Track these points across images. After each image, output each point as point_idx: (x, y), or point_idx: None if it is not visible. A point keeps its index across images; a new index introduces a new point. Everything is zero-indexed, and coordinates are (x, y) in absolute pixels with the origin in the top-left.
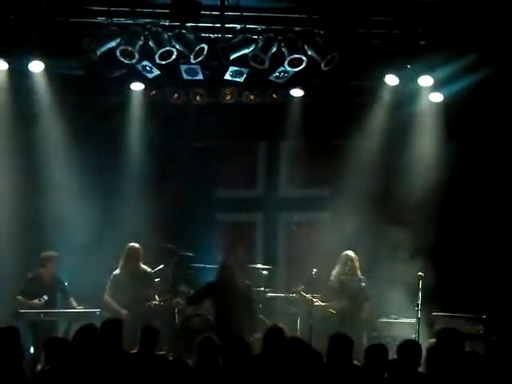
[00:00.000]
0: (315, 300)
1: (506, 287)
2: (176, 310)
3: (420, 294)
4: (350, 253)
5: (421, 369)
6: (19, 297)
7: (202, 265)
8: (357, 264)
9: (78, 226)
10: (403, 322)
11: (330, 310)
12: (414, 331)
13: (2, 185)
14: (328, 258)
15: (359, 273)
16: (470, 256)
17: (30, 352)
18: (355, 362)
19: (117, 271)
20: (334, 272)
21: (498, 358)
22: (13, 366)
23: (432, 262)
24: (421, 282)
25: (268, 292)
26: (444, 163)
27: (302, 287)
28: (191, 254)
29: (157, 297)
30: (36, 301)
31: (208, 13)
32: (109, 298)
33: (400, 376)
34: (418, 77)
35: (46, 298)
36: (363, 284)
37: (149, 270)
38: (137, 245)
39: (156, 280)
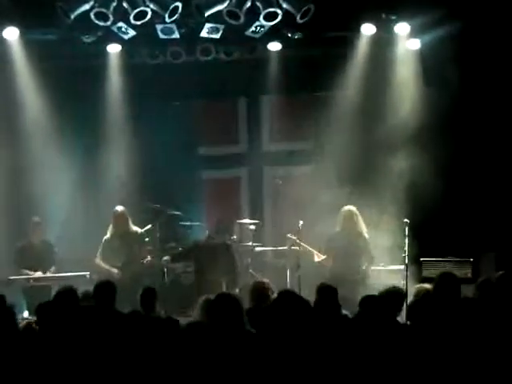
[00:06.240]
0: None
1: (494, 229)
2: (165, 268)
3: (407, 240)
4: (351, 208)
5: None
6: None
7: (188, 223)
8: (359, 220)
9: (61, 192)
10: (392, 270)
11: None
12: (402, 277)
13: None
14: (313, 210)
15: (361, 230)
16: (455, 198)
17: (23, 317)
18: (345, 312)
19: (107, 236)
20: (337, 228)
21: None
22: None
23: (417, 207)
24: (407, 228)
25: (256, 246)
26: (423, 109)
27: (295, 237)
28: (178, 213)
29: (148, 256)
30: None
31: None
32: (99, 261)
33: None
34: (394, 25)
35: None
36: (362, 242)
37: (139, 230)
38: (121, 207)
39: (146, 239)
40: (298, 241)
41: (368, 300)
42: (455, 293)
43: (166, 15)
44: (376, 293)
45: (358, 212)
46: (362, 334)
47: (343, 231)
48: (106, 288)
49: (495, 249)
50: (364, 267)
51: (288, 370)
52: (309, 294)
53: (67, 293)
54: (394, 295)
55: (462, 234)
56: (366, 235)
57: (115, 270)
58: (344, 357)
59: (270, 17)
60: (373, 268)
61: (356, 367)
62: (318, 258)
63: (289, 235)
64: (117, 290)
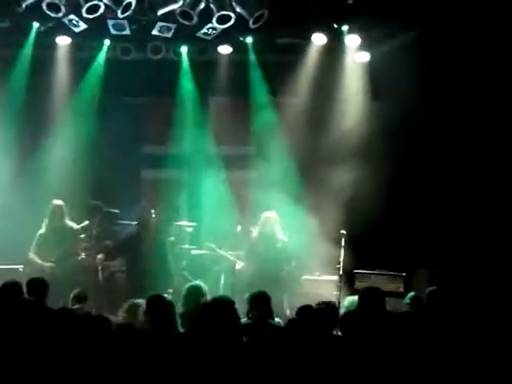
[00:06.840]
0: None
1: (427, 246)
2: (100, 266)
3: (342, 251)
4: (270, 214)
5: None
6: None
7: (126, 221)
8: (277, 225)
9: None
10: (326, 280)
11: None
12: (336, 288)
13: None
14: (253, 215)
15: (279, 234)
16: (393, 214)
17: None
18: (278, 320)
19: (42, 230)
20: (255, 233)
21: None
22: None
23: (356, 219)
24: (343, 239)
25: (192, 249)
26: (369, 122)
27: (213, 245)
28: (116, 211)
29: (83, 253)
30: None
31: None
32: (33, 255)
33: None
34: (345, 36)
35: None
36: (280, 246)
37: (75, 226)
38: (60, 202)
39: (81, 236)
40: (216, 249)
41: (304, 310)
42: (380, 306)
43: (119, 11)
44: (304, 299)
45: (277, 217)
46: (294, 342)
47: (262, 236)
48: (37, 284)
49: (428, 265)
50: (284, 272)
51: (215, 373)
52: (239, 302)
53: (12, 287)
54: (329, 310)
55: (397, 248)
56: (285, 239)
57: (48, 264)
58: (275, 363)
59: (223, 20)
60: (307, 277)
61: (286, 376)
62: (239, 265)
63: (206, 243)
64: (49, 287)
